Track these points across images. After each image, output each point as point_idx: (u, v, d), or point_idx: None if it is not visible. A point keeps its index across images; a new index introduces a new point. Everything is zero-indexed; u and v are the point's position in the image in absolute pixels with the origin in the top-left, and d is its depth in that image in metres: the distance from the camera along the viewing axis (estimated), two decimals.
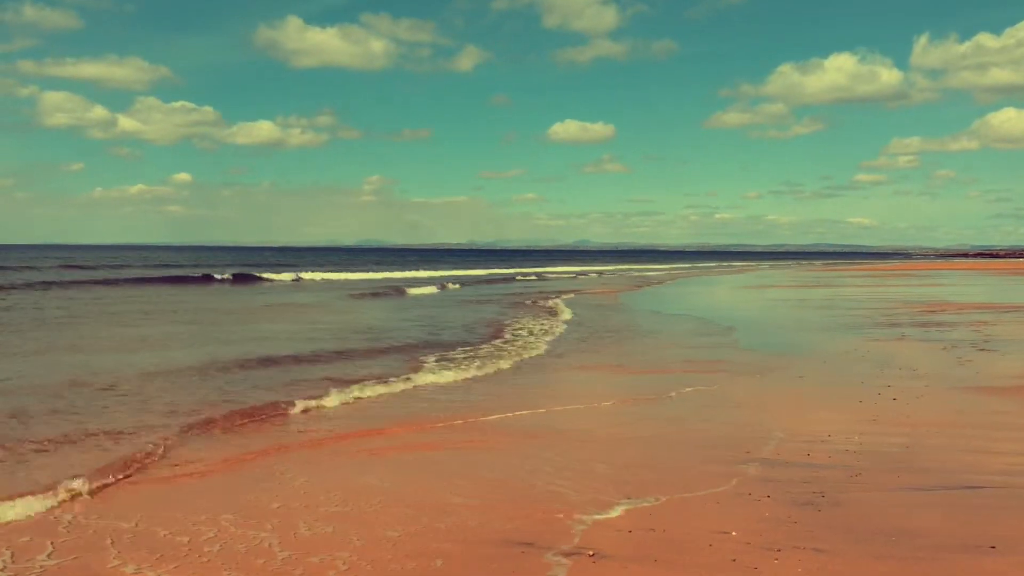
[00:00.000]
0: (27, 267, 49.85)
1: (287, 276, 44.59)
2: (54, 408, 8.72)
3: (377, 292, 32.61)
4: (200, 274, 42.47)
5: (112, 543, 5.03)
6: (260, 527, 5.33)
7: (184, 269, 50.82)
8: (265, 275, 44.21)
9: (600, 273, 63.93)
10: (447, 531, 5.26)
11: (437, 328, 18.08)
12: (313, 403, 9.14)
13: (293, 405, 8.95)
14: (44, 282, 34.07)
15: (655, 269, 74.84)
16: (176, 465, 6.79)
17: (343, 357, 12.87)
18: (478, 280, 46.88)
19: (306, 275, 46.21)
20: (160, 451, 7.12)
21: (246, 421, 8.39)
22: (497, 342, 15.30)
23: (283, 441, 7.68)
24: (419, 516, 5.54)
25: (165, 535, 5.17)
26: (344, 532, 5.23)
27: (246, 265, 61.11)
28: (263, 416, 8.58)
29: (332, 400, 9.32)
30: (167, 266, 57.88)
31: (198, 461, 6.91)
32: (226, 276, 42.02)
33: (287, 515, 5.56)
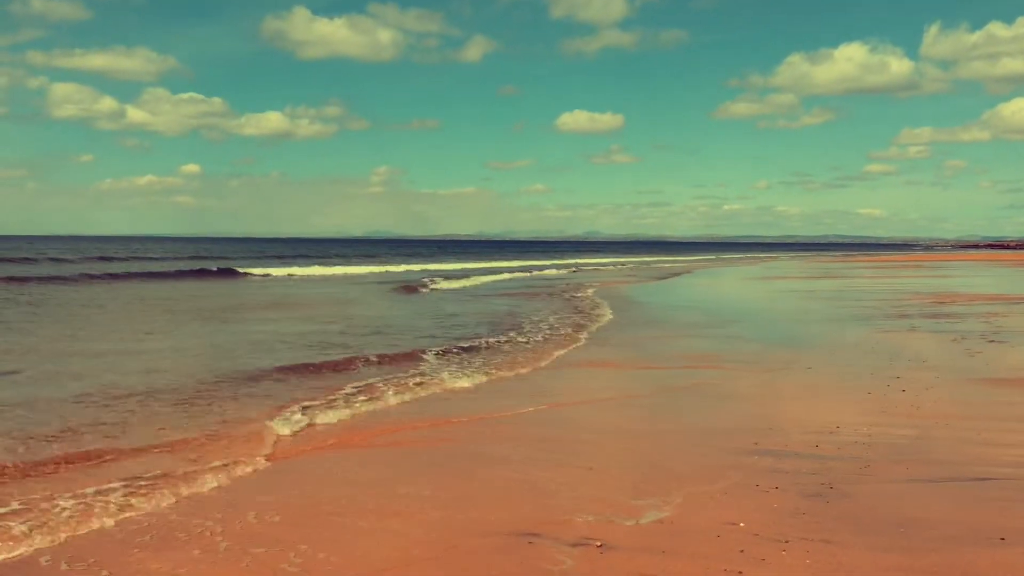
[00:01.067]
0: (59, 259, 49.41)
1: (339, 269, 44.91)
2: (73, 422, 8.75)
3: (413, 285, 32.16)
4: (261, 273, 40.67)
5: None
6: (205, 516, 5.32)
7: (235, 262, 49.35)
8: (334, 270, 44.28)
9: (635, 264, 63.51)
10: (441, 523, 5.28)
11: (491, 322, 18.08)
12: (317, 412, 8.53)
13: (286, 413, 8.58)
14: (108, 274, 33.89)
15: (681, 260, 74.85)
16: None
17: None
18: (519, 270, 46.08)
19: (352, 269, 46.56)
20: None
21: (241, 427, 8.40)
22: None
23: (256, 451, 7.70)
24: (412, 508, 5.55)
25: None
26: (309, 524, 5.25)
27: (281, 257, 60.72)
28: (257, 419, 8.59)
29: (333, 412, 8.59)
30: (204, 258, 56.41)
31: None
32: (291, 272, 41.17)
33: (235, 503, 5.56)
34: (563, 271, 49.58)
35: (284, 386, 9.71)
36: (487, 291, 29.88)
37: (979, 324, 16.19)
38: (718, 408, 8.79)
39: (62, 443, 6.96)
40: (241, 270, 40.70)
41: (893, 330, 15.54)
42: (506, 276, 41.77)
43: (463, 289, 31.33)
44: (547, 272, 47.91)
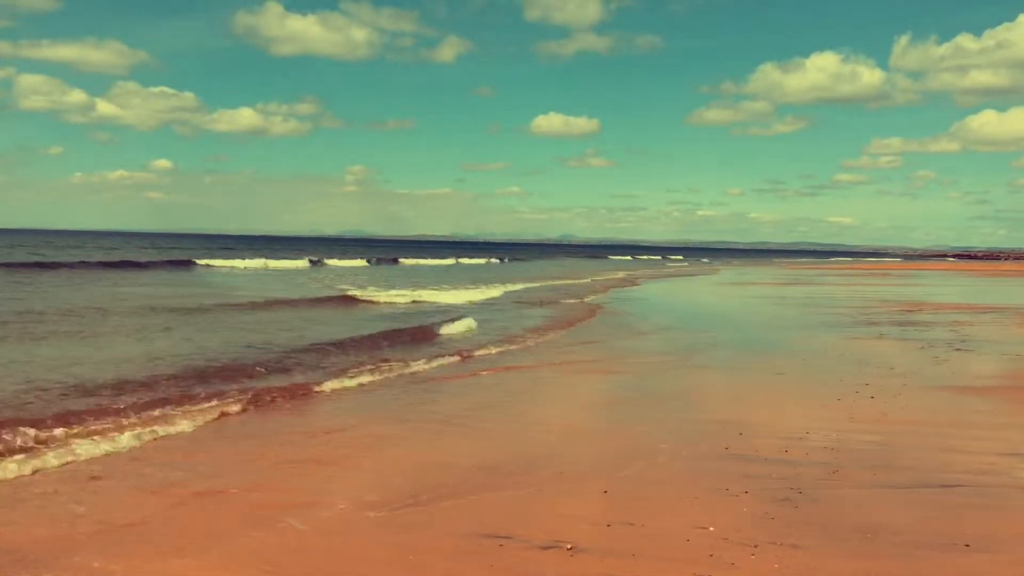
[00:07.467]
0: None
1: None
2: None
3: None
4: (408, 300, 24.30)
5: None
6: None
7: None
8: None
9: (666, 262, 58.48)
10: (410, 524, 5.24)
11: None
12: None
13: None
14: None
15: (687, 262, 72.45)
16: None
17: None
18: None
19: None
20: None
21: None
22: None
23: None
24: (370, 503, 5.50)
25: None
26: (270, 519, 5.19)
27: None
28: None
29: None
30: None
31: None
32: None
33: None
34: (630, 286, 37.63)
35: None
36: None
37: (946, 332, 16.43)
38: (689, 412, 8.82)
39: None
40: (362, 297, 25.00)
41: (862, 337, 15.72)
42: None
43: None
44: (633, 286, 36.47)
